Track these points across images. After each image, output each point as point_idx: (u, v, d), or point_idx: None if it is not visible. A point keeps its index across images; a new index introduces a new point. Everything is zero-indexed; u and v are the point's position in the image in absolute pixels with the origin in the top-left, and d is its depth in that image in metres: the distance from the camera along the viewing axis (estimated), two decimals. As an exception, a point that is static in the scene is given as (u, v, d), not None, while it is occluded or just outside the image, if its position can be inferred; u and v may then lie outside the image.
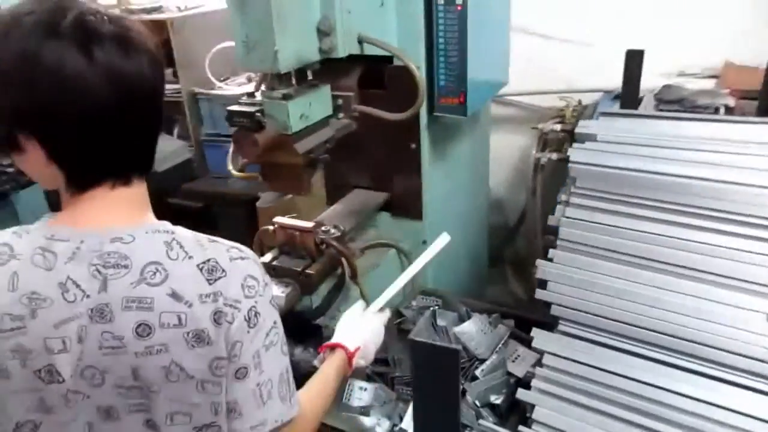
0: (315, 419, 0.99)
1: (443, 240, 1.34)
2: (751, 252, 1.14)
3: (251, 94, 1.32)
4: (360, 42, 1.43)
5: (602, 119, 1.57)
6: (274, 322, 0.86)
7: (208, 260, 0.80)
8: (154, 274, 0.77)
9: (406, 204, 1.77)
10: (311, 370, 1.44)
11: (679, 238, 1.18)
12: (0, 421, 0.81)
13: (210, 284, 0.79)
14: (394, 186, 1.77)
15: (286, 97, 1.26)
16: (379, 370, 1.46)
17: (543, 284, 1.25)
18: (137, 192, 0.84)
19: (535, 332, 1.22)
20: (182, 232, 0.83)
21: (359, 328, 1.23)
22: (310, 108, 1.33)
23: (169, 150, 2.84)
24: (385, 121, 1.54)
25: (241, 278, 0.81)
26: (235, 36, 1.24)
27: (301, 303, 1.46)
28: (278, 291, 1.39)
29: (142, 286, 0.77)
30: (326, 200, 1.89)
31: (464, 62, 1.51)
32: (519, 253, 3.14)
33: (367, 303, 1.60)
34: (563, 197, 1.33)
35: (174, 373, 0.79)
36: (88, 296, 0.77)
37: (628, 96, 1.64)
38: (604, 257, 1.23)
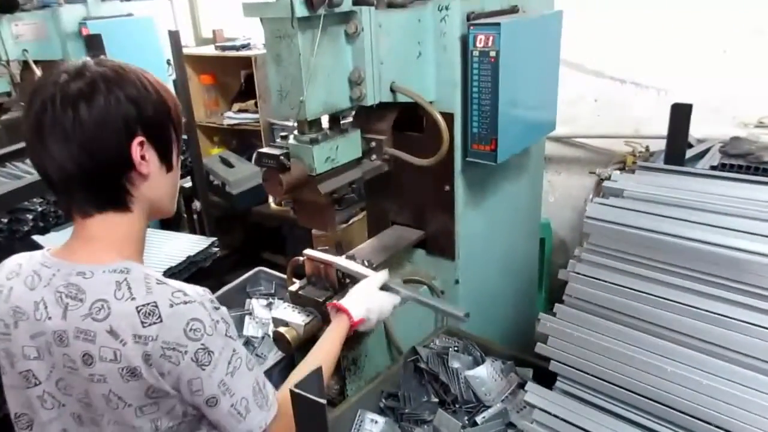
0: None
1: (458, 311, 1.36)
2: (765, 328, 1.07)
3: (285, 137, 1.44)
4: (393, 90, 1.51)
5: (639, 173, 1.54)
6: (234, 350, 0.93)
7: (148, 304, 0.88)
8: (100, 310, 0.88)
9: (440, 243, 1.81)
10: (335, 400, 1.54)
11: (688, 306, 1.13)
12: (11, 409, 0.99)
13: (144, 327, 0.86)
14: (430, 225, 1.82)
15: (312, 142, 1.37)
16: (390, 405, 1.50)
17: (545, 338, 1.25)
18: (104, 227, 0.94)
19: (530, 386, 1.22)
20: (136, 274, 0.91)
21: (370, 300, 1.32)
22: (337, 151, 1.43)
23: (246, 174, 3.08)
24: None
25: (182, 323, 0.88)
26: (271, 86, 1.37)
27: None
28: (299, 319, 1.49)
29: (89, 320, 0.88)
30: (367, 234, 1.98)
31: (496, 111, 1.54)
32: (580, 297, 3.05)
33: (390, 339, 1.66)
34: (576, 252, 1.32)
35: (113, 402, 0.89)
36: (50, 318, 0.90)
37: (673, 152, 1.58)
38: (609, 318, 1.20)
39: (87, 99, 0.88)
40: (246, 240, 3.38)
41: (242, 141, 3.50)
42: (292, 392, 0.67)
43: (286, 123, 2.90)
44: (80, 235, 0.95)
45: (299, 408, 0.65)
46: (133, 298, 0.88)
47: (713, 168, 1.92)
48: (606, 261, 1.26)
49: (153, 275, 0.92)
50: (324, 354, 1.21)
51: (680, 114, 1.59)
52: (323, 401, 0.61)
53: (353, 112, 1.61)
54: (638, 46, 2.54)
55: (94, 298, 0.89)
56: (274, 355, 1.84)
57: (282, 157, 1.32)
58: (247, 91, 3.37)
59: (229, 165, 3.11)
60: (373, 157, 1.60)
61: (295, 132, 1.42)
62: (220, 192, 3.10)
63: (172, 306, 0.88)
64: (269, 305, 2.09)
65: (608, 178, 2.38)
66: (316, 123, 1.40)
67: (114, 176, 0.93)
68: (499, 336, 2.07)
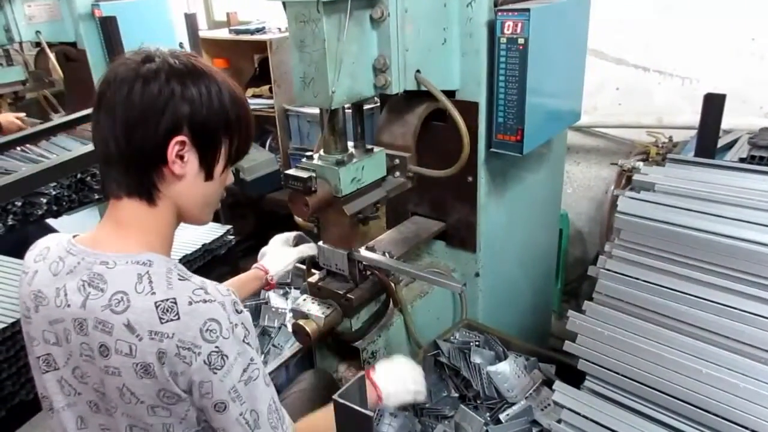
0: None
1: (456, 284, 1.42)
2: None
3: (310, 157, 1.41)
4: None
5: (669, 166, 1.49)
6: (251, 359, 0.89)
7: (167, 300, 0.85)
8: (119, 302, 0.85)
9: (461, 235, 1.78)
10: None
11: (723, 305, 1.10)
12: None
13: (161, 323, 0.84)
14: (450, 216, 1.78)
15: (338, 164, 1.35)
16: (410, 399, 1.48)
17: (574, 336, 1.22)
18: (131, 214, 0.92)
19: (558, 385, 1.19)
20: (159, 267, 0.88)
21: (398, 376, 1.26)
22: (363, 172, 1.41)
23: (260, 161, 3.04)
24: (444, 154, 1.56)
25: (200, 322, 0.84)
26: (294, 72, 1.33)
27: (343, 325, 1.52)
28: (319, 312, 1.46)
29: (107, 312, 0.86)
30: (386, 225, 1.94)
31: (523, 101, 1.50)
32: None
33: (409, 332, 1.63)
34: (607, 248, 1.28)
35: (126, 396, 0.87)
36: (68, 305, 0.89)
37: (704, 143, 1.54)
38: (640, 316, 1.17)
39: (143, 83, 0.87)
40: (259, 227, 3.35)
41: (256, 127, 3.45)
42: (335, 402, 0.64)
43: (302, 109, 2.87)
44: (109, 218, 0.94)
45: (344, 419, 0.63)
46: (153, 293, 0.85)
47: (742, 160, 1.86)
48: (638, 258, 1.23)
49: (176, 270, 0.90)
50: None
51: (713, 105, 1.54)
52: (371, 414, 0.59)
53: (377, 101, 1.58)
54: (663, 32, 2.47)
55: (115, 290, 0.86)
56: (290, 347, 1.82)
57: (308, 181, 1.30)
58: (261, 76, 3.32)
59: (243, 151, 3.08)
60: (397, 173, 1.55)
61: (321, 152, 1.41)
62: (234, 178, 3.07)
63: (191, 303, 0.85)
64: (285, 294, 2.07)
65: (631, 170, 2.34)
66: (341, 142, 1.39)
67: (146, 166, 0.91)
68: (517, 329, 2.05)
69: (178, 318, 0.84)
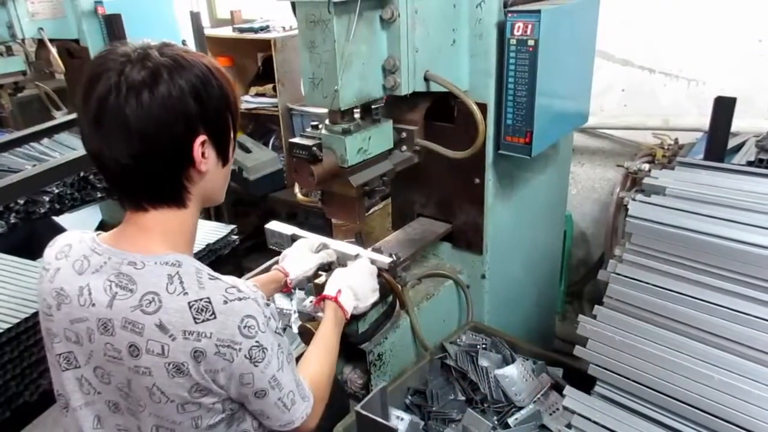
0: (327, 382, 1.11)
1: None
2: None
3: (316, 126, 1.39)
4: (426, 79, 1.46)
5: (679, 170, 1.48)
6: (279, 345, 0.93)
7: (201, 299, 0.85)
8: (150, 303, 0.85)
9: (468, 237, 1.77)
10: (358, 394, 1.53)
11: (736, 311, 1.09)
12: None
13: (196, 323, 0.84)
14: (457, 218, 1.77)
15: (345, 132, 1.33)
16: (417, 402, 1.47)
17: (583, 340, 1.21)
18: (158, 220, 0.92)
19: (568, 390, 1.19)
20: (188, 268, 0.89)
21: (335, 277, 1.37)
22: (369, 142, 1.39)
23: (263, 160, 3.03)
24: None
25: (237, 320, 0.86)
26: (303, 73, 1.32)
27: (350, 327, 1.51)
28: (325, 313, 1.45)
29: (138, 312, 0.86)
30: (391, 226, 1.94)
31: (532, 103, 1.49)
32: (599, 291, 3.01)
33: (415, 335, 1.63)
34: (617, 252, 1.27)
35: (156, 395, 0.87)
36: (93, 305, 0.88)
37: (714, 146, 1.53)
38: (652, 321, 1.17)
39: (150, 89, 0.83)
40: (261, 226, 3.34)
41: (259, 125, 3.44)
42: (363, 416, 0.63)
43: (306, 108, 2.85)
44: (133, 224, 0.93)
45: (366, 430, 0.62)
46: (186, 293, 0.86)
47: (750, 163, 1.85)
48: (649, 262, 1.22)
49: (205, 269, 0.90)
50: (321, 339, 1.23)
51: (723, 108, 1.54)
52: (396, 428, 0.58)
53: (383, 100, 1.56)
54: (669, 34, 2.46)
55: (145, 290, 0.87)
56: (294, 348, 1.81)
57: (314, 148, 1.28)
58: (264, 75, 3.31)
59: (246, 150, 3.07)
60: (404, 148, 1.55)
61: (327, 122, 1.38)
62: (236, 177, 3.06)
63: (226, 302, 0.86)
64: (289, 295, 2.06)
65: (637, 172, 2.34)
66: (348, 112, 1.35)
67: (173, 172, 0.90)
68: (521, 330, 2.04)
69: (215, 317, 0.85)
